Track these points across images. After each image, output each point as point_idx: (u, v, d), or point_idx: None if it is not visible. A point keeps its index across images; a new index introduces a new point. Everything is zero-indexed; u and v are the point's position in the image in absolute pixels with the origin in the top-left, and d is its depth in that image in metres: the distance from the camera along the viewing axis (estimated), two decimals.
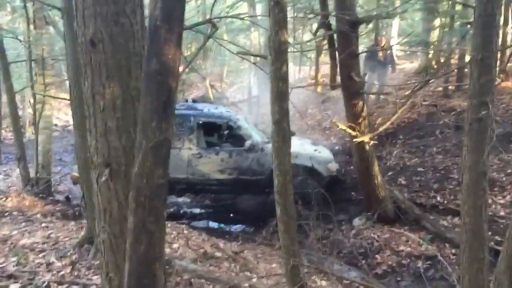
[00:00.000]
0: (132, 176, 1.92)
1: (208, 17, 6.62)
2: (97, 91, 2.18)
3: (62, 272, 5.06)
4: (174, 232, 6.60)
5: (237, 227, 8.25)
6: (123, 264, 2.08)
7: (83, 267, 5.20)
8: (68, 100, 5.04)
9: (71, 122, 15.09)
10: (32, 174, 8.92)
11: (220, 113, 8.37)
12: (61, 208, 8.20)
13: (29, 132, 14.78)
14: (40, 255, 5.48)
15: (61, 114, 18.16)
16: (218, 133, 9.02)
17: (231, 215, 8.70)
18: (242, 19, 6.68)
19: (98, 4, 2.12)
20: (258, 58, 11.83)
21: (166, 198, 2.00)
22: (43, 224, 6.79)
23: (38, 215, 7.37)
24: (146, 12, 2.11)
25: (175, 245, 5.96)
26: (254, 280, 5.14)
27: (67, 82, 4.99)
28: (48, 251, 5.62)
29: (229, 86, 17.93)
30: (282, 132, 3.23)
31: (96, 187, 2.27)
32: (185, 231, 6.89)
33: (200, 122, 8.14)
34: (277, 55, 3.16)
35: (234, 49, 7.55)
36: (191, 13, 13.47)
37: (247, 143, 7.86)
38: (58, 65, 14.46)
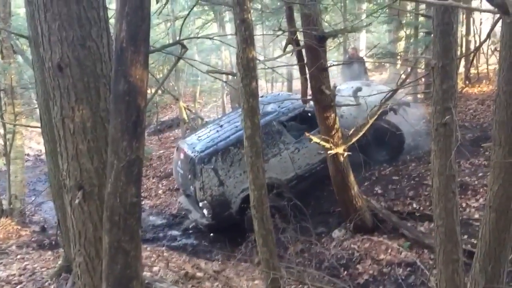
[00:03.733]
0: (105, 196, 1.93)
1: (178, 38, 6.67)
2: (66, 115, 2.18)
3: None
4: (153, 255, 6.55)
5: (217, 246, 8.19)
6: (100, 286, 2.07)
7: None
8: (39, 127, 4.99)
9: (43, 151, 14.84)
10: (5, 205, 8.72)
11: (291, 105, 8.61)
12: (37, 238, 8.04)
13: (0, 163, 14.46)
14: None
15: (33, 143, 17.82)
16: (300, 121, 9.07)
17: (211, 234, 8.63)
18: (211, 39, 6.75)
19: (64, 29, 2.14)
20: (230, 77, 11.93)
21: (140, 217, 2.01)
22: (19, 256, 6.64)
23: (13, 247, 7.21)
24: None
25: (155, 268, 5.90)
26: None
27: (38, 110, 4.96)
28: (25, 283, 5.50)
29: (203, 106, 17.95)
30: (255, 146, 3.27)
31: (69, 210, 2.26)
32: (165, 253, 6.84)
33: (282, 121, 8.46)
34: (245, 72, 3.22)
35: (206, 69, 7.63)
36: (161, 35, 13.52)
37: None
38: (27, 94, 14.27)
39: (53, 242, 7.60)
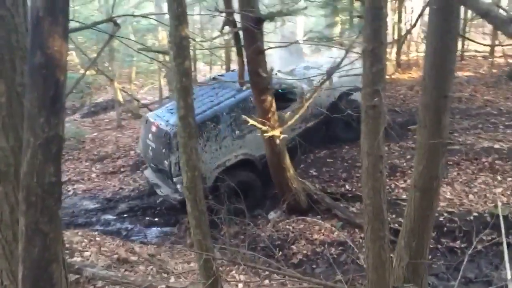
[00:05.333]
0: (21, 176, 1.82)
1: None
2: None
3: None
4: (85, 240, 6.34)
5: (153, 229, 8.08)
6: (18, 270, 1.96)
7: None
8: None
9: None
10: None
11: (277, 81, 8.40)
12: None
13: None
14: None
15: None
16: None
17: (147, 218, 8.50)
18: (146, 17, 6.54)
19: None
20: (167, 58, 11.67)
21: (60, 197, 1.91)
22: None
23: None
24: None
25: (86, 253, 5.72)
26: (172, 280, 5.09)
27: None
28: None
29: (140, 88, 17.47)
30: (188, 127, 3.22)
31: None
32: (97, 238, 6.65)
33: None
34: (178, 50, 3.14)
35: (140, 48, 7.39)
36: (94, 13, 12.96)
37: (302, 97, 8.06)
38: None
39: None
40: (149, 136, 8.30)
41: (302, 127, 8.67)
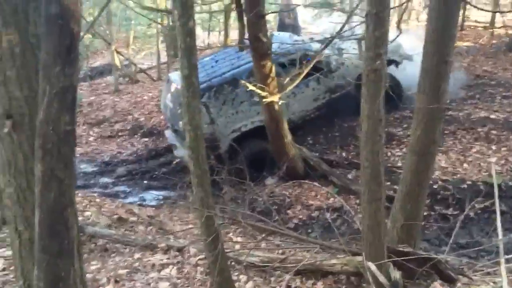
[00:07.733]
0: (37, 124, 1.87)
1: None
2: None
3: None
4: (85, 201, 6.44)
5: (151, 193, 8.19)
6: (32, 217, 2.03)
7: None
8: None
9: None
10: None
11: (292, 47, 8.08)
12: None
13: None
14: None
15: None
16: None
17: (145, 181, 8.60)
18: None
19: None
20: (165, 22, 11.61)
21: (74, 145, 1.97)
22: None
23: None
24: None
25: (87, 213, 5.83)
26: (171, 240, 5.21)
27: None
28: None
29: (137, 52, 17.31)
30: (191, 87, 3.24)
31: None
32: (97, 199, 6.75)
33: (282, 63, 7.89)
34: (183, 10, 3.13)
35: (140, 11, 7.29)
36: None
37: (333, 65, 8.15)
38: None
39: None
40: (168, 96, 8.18)
41: (326, 97, 8.46)
